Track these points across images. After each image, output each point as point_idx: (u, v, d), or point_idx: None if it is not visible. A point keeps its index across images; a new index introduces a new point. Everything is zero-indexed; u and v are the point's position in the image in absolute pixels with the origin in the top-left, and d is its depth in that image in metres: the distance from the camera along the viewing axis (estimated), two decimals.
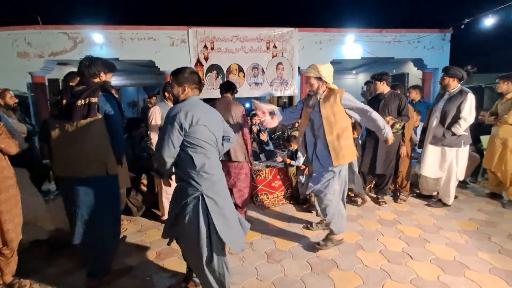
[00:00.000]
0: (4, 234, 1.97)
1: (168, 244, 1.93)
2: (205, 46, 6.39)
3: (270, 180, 3.82)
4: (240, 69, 6.63)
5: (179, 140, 1.72)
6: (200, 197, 1.74)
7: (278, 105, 9.30)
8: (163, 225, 3.16)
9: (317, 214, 3.13)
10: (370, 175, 3.76)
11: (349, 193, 4.02)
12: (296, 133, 4.12)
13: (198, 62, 6.42)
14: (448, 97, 3.32)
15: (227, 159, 2.98)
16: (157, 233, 3.03)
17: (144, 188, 3.78)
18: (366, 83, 5.86)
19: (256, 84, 6.74)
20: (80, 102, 1.93)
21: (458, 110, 3.21)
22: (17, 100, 3.51)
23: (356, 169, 2.95)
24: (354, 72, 10.81)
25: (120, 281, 2.23)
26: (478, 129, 4.20)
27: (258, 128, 4.47)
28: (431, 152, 3.43)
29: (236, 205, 3.05)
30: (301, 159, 3.59)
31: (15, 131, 2.25)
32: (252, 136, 4.28)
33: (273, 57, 6.70)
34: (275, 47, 6.67)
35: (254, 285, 2.15)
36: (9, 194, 2.00)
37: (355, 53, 7.03)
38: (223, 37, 6.42)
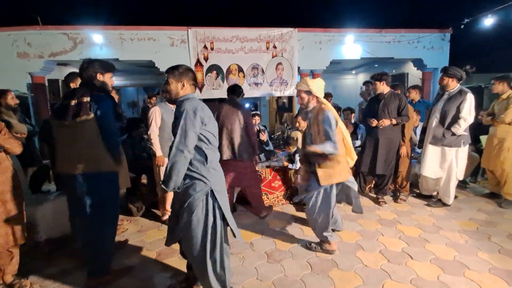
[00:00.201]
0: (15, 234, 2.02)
1: (167, 245, 1.93)
2: (205, 47, 6.40)
3: (270, 180, 3.82)
4: (240, 69, 6.64)
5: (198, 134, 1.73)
6: (209, 193, 1.76)
7: (277, 105, 9.32)
8: (163, 225, 3.18)
9: None
10: (370, 175, 3.76)
11: None
12: (295, 134, 4.12)
13: (198, 62, 6.43)
14: (448, 97, 3.32)
15: (232, 159, 3.07)
16: (157, 233, 3.03)
17: (144, 189, 3.79)
18: (365, 83, 5.87)
19: (256, 84, 6.74)
20: (74, 101, 2.00)
21: (458, 110, 3.22)
22: (18, 101, 3.52)
23: (355, 187, 2.69)
24: (353, 72, 10.82)
25: (120, 281, 2.23)
26: (478, 129, 4.20)
27: (258, 128, 4.47)
28: (431, 152, 3.43)
29: (248, 203, 3.41)
30: (298, 163, 3.59)
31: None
32: None
33: (273, 57, 6.70)
34: (274, 47, 6.67)
35: (254, 285, 2.15)
36: (14, 195, 2.02)
37: (354, 53, 7.03)
38: (223, 37, 6.42)
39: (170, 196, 3.11)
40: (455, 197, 3.63)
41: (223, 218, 1.82)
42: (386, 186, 3.69)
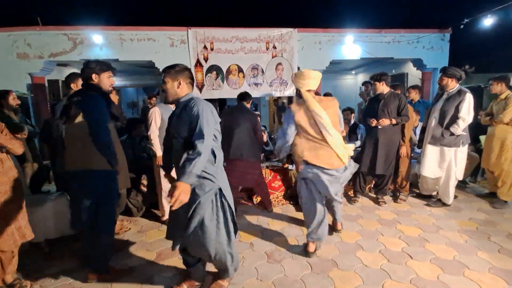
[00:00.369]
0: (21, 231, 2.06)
1: (174, 248, 1.89)
2: (205, 47, 6.40)
3: (270, 180, 3.83)
4: (240, 70, 6.64)
5: None
6: (218, 191, 1.80)
7: (277, 106, 9.33)
8: (163, 225, 3.18)
9: None
10: (370, 175, 3.76)
11: (349, 192, 4.03)
12: None
13: (198, 62, 6.43)
14: (447, 97, 3.33)
15: (240, 159, 3.23)
16: (157, 234, 3.03)
17: (144, 189, 3.79)
18: (364, 83, 5.87)
19: (256, 84, 6.75)
20: (66, 103, 2.08)
21: (457, 110, 3.23)
22: (19, 102, 3.56)
23: (339, 206, 2.71)
24: (353, 72, 10.82)
25: (121, 281, 2.23)
26: (478, 129, 4.20)
27: None
28: (430, 152, 3.44)
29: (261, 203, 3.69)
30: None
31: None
32: None
33: (272, 57, 6.71)
34: (274, 47, 6.68)
35: (254, 285, 2.15)
36: (17, 195, 2.03)
37: (354, 53, 7.04)
38: (223, 37, 6.42)
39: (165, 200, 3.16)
40: (455, 197, 3.63)
41: (232, 214, 1.89)
42: (386, 186, 3.69)
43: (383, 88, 3.49)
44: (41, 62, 5.87)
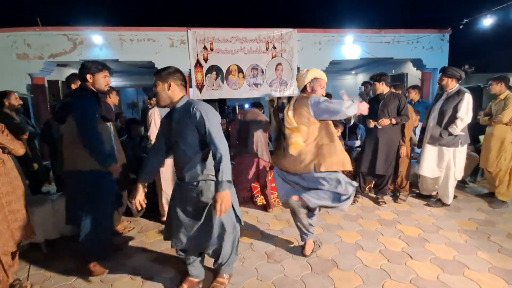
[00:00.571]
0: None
1: (174, 246, 1.97)
2: (205, 47, 6.41)
3: (270, 180, 3.82)
4: (240, 70, 6.65)
5: None
6: None
7: (277, 106, 9.34)
8: (163, 225, 3.17)
9: None
10: (370, 175, 3.76)
11: None
12: None
13: (198, 63, 6.43)
14: (446, 97, 3.33)
15: (255, 156, 3.40)
16: (157, 234, 3.03)
17: (145, 189, 3.78)
18: (364, 83, 5.88)
19: (256, 84, 6.75)
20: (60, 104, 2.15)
21: (455, 110, 3.23)
22: (21, 102, 3.59)
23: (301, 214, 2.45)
24: (353, 72, 10.84)
25: (121, 281, 2.23)
26: (477, 129, 4.21)
27: None
28: (429, 152, 3.45)
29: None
30: None
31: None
32: None
33: (272, 57, 6.71)
34: (274, 48, 6.69)
35: (254, 286, 2.16)
36: (19, 195, 2.04)
37: (354, 53, 7.04)
38: (223, 38, 6.43)
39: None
40: (455, 197, 3.64)
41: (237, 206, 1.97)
42: (385, 186, 3.70)
43: (382, 88, 3.49)
44: (41, 63, 5.87)
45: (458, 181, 3.56)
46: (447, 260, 2.40)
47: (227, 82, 6.66)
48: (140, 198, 1.88)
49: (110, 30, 6.08)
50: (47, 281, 2.27)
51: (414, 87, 5.00)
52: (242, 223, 2.03)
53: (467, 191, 4.09)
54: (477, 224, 3.04)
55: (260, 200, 3.82)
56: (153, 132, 3.01)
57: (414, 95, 4.85)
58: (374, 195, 3.88)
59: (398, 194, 3.78)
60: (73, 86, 2.86)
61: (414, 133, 4.12)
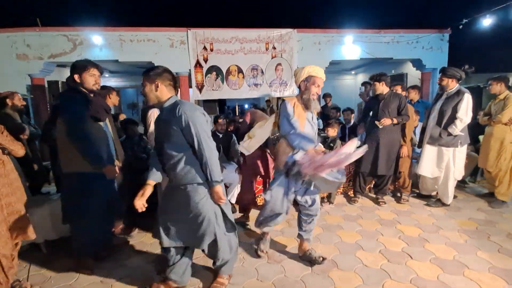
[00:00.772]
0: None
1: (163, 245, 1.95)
2: (205, 48, 6.41)
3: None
4: (240, 70, 6.65)
5: None
6: (209, 195, 1.84)
7: (270, 106, 9.35)
8: None
9: None
10: (371, 175, 3.76)
11: (349, 193, 4.04)
12: None
13: (198, 63, 6.44)
14: (446, 97, 3.33)
15: (269, 152, 3.39)
16: None
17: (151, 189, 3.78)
18: (364, 83, 5.88)
19: (256, 85, 6.76)
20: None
21: (455, 110, 3.23)
22: (24, 103, 3.62)
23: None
24: (353, 72, 10.84)
25: (121, 282, 2.23)
26: (477, 129, 4.21)
27: None
28: (428, 152, 3.45)
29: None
30: None
31: None
32: None
33: (272, 58, 6.72)
34: (274, 48, 6.69)
35: (254, 286, 2.15)
36: (19, 196, 2.05)
37: (354, 53, 7.05)
38: (222, 38, 6.44)
39: None
40: (455, 196, 3.64)
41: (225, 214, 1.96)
42: (385, 186, 3.70)
43: (382, 88, 3.49)
44: (40, 63, 5.87)
45: (458, 181, 3.56)
46: (447, 260, 2.40)
47: (227, 83, 6.67)
48: (143, 200, 1.84)
49: (110, 31, 6.09)
50: (47, 281, 2.27)
51: (413, 87, 5.00)
52: (236, 229, 2.06)
53: (467, 191, 4.09)
54: (477, 224, 3.04)
55: (261, 200, 3.82)
56: (153, 132, 3.01)
57: (414, 95, 4.85)
58: (374, 195, 3.88)
59: (400, 195, 3.77)
60: None
61: (414, 133, 4.12)
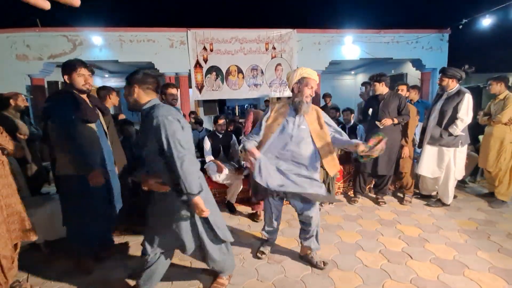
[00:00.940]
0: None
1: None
2: (204, 48, 6.42)
3: None
4: (239, 71, 6.66)
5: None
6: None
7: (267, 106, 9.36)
8: None
9: None
10: (372, 176, 3.75)
11: (349, 193, 4.04)
12: None
13: (198, 63, 6.44)
14: (446, 97, 3.33)
15: None
16: None
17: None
18: (364, 84, 5.88)
19: (255, 85, 6.76)
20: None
21: (455, 111, 3.23)
22: (27, 104, 3.63)
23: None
24: (352, 72, 10.85)
25: (121, 282, 2.23)
26: (477, 129, 4.21)
27: None
28: (429, 152, 3.45)
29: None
30: None
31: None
32: None
33: (272, 58, 6.72)
34: (274, 48, 6.70)
35: (254, 286, 2.15)
36: (18, 197, 2.05)
37: (353, 53, 7.06)
38: (222, 38, 6.44)
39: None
40: (455, 196, 3.64)
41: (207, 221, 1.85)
42: (385, 186, 3.69)
43: (382, 89, 3.49)
44: (40, 64, 5.87)
45: (458, 181, 3.56)
46: (447, 260, 2.40)
47: (226, 83, 6.67)
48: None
49: (110, 31, 6.09)
50: (47, 282, 2.27)
51: (413, 87, 5.00)
52: (227, 239, 1.93)
53: (467, 191, 4.09)
54: (477, 224, 3.04)
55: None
56: None
57: (414, 95, 4.85)
58: (374, 195, 3.88)
59: (403, 196, 3.76)
60: None
61: (414, 134, 4.12)
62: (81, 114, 2.13)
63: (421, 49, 7.17)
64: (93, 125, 2.25)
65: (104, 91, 3.00)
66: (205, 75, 6.50)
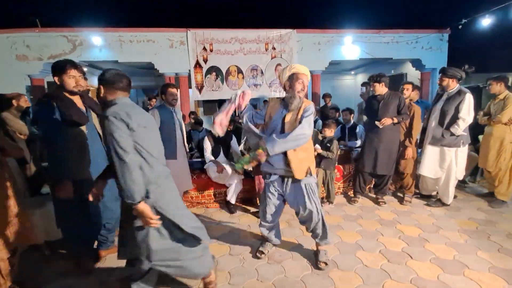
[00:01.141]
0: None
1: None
2: (204, 48, 6.42)
3: None
4: (239, 71, 6.66)
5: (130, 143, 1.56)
6: (153, 209, 1.66)
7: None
8: None
9: None
10: (372, 176, 3.74)
11: (349, 193, 4.04)
12: None
13: (197, 64, 6.45)
14: (447, 97, 3.33)
15: None
16: None
17: None
18: (364, 84, 5.88)
19: (255, 85, 6.76)
20: None
21: (457, 110, 3.23)
22: (29, 105, 3.66)
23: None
24: (352, 72, 10.85)
25: (121, 282, 2.23)
26: (477, 129, 4.22)
27: None
28: (430, 153, 3.44)
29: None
30: None
31: None
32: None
33: (272, 58, 6.73)
34: (273, 48, 6.70)
35: (254, 286, 2.15)
36: (17, 197, 2.03)
37: (353, 53, 7.06)
38: (222, 39, 6.44)
39: None
40: (455, 196, 3.64)
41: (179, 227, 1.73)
42: (385, 186, 3.69)
43: (382, 89, 3.49)
44: (40, 64, 5.87)
45: (458, 181, 3.56)
46: (447, 260, 2.40)
47: (226, 83, 6.67)
48: None
49: (110, 31, 6.09)
50: (47, 282, 2.26)
51: (413, 87, 5.00)
52: (202, 241, 1.83)
53: (467, 191, 4.09)
54: (477, 224, 3.04)
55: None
56: None
57: (414, 95, 4.84)
58: (374, 195, 3.87)
59: (402, 196, 3.76)
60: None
61: None
62: (68, 116, 2.06)
63: (421, 49, 7.17)
64: (83, 128, 2.20)
65: None
66: (205, 75, 6.51)
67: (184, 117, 5.45)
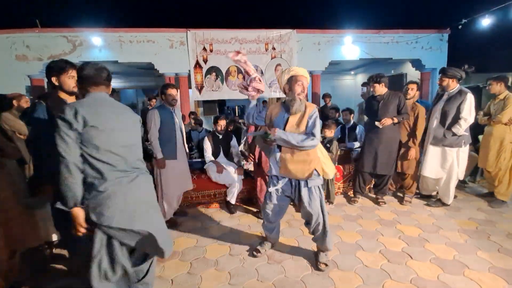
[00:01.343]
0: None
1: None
2: (204, 48, 6.42)
3: None
4: (239, 71, 6.66)
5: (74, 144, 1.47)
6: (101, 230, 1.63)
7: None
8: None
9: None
10: (372, 176, 3.74)
11: (349, 193, 4.04)
12: None
13: (197, 64, 6.45)
14: (448, 97, 3.33)
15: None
16: None
17: None
18: (364, 84, 5.88)
19: None
20: None
21: (458, 111, 3.23)
22: (30, 105, 3.65)
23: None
24: (352, 72, 10.84)
25: None
26: (477, 129, 4.21)
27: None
28: (432, 153, 3.44)
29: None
30: None
31: None
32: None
33: (272, 58, 6.73)
34: (273, 48, 6.70)
35: (254, 286, 2.15)
36: (17, 199, 2.03)
37: (353, 54, 7.06)
38: (222, 39, 6.45)
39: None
40: (455, 196, 3.63)
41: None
42: (385, 186, 3.69)
43: (382, 89, 3.49)
44: (40, 64, 5.87)
45: (458, 180, 3.56)
46: (447, 260, 2.40)
47: (226, 83, 6.67)
48: None
49: (110, 32, 6.09)
50: (47, 282, 2.26)
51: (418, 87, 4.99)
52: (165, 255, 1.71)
53: (466, 191, 4.09)
54: (477, 224, 3.04)
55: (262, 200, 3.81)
56: (154, 133, 3.01)
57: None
58: (374, 195, 3.88)
59: (403, 196, 3.76)
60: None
61: None
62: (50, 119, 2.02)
63: (421, 49, 7.17)
64: None
65: None
66: (205, 76, 6.51)
67: (184, 117, 5.45)
